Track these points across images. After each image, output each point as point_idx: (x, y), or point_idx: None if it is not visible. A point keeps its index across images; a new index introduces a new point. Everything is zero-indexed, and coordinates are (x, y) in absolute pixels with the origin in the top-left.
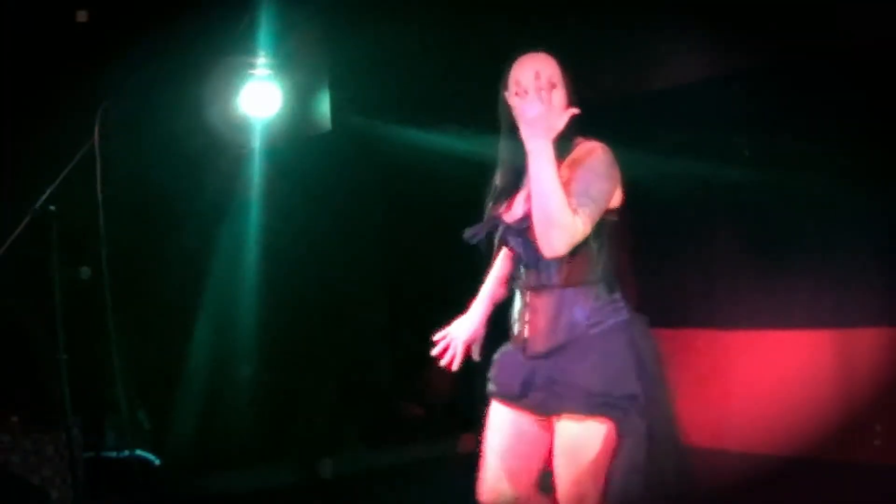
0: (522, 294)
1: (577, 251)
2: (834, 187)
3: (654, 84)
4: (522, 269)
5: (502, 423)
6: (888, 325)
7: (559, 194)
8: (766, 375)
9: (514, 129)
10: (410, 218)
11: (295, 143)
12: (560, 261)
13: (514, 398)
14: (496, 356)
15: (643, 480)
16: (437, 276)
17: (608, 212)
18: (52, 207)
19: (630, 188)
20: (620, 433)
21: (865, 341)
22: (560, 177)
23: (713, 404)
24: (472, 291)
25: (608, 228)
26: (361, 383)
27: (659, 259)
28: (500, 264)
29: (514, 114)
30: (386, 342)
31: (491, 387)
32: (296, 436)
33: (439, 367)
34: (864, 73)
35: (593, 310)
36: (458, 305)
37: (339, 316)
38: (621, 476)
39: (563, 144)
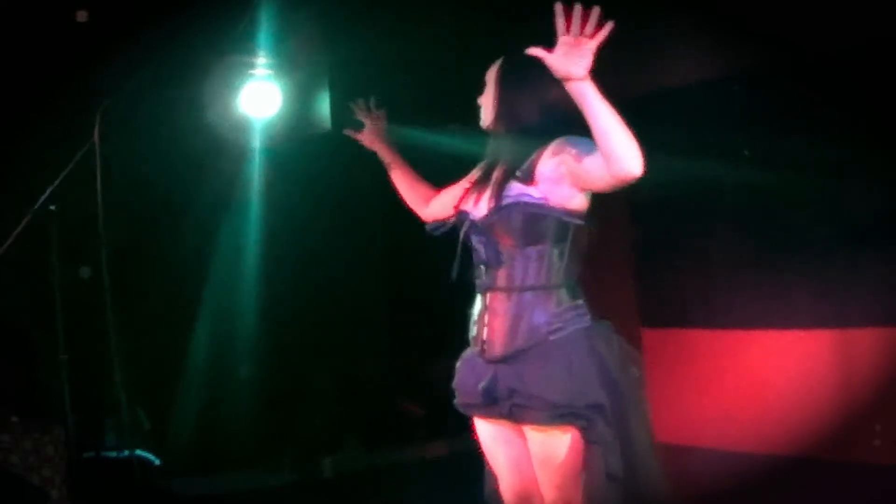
0: (482, 296)
1: (537, 254)
2: (834, 187)
3: (654, 84)
4: (483, 269)
5: (487, 436)
6: (888, 325)
7: (616, 116)
8: (766, 375)
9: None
10: (410, 218)
11: (295, 143)
12: (521, 263)
13: (480, 409)
14: (457, 364)
15: (622, 488)
16: (437, 275)
17: (571, 214)
18: (52, 207)
19: (629, 188)
20: (587, 441)
21: (865, 341)
22: (550, 166)
23: (713, 404)
24: (472, 291)
25: (572, 232)
26: (361, 383)
27: (658, 259)
28: (429, 193)
29: (552, 68)
30: (386, 342)
31: (456, 399)
32: (296, 436)
33: (439, 367)
34: (863, 73)
35: (554, 315)
36: (458, 305)
37: (338, 316)
38: (598, 484)
39: (528, 144)
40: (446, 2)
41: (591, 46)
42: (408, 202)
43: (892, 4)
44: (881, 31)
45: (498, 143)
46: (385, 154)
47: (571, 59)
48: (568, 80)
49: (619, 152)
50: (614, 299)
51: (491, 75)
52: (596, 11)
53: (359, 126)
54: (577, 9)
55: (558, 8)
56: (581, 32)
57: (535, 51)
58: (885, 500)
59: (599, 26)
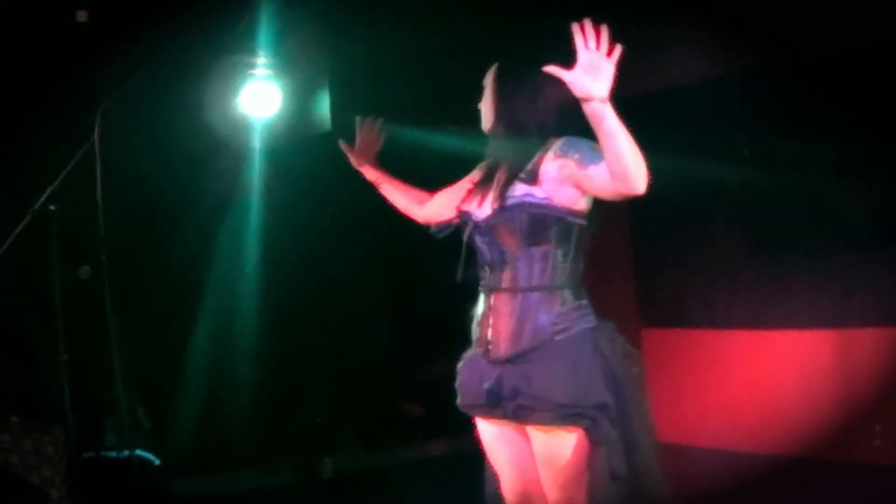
0: (486, 296)
1: (542, 255)
2: (834, 187)
3: (654, 85)
4: (487, 271)
5: (490, 437)
6: (888, 325)
7: (629, 137)
8: (766, 375)
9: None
10: (411, 218)
11: (295, 143)
12: (525, 264)
13: (484, 409)
14: (460, 364)
15: (624, 488)
16: (438, 276)
17: (575, 214)
18: (52, 207)
19: None
20: (592, 441)
21: (866, 341)
22: (553, 168)
23: (713, 404)
24: (472, 292)
25: (575, 233)
26: (361, 383)
27: (658, 259)
28: (422, 196)
29: (573, 87)
30: (386, 342)
31: (459, 399)
32: (296, 436)
33: (439, 367)
34: (863, 73)
35: (559, 315)
36: (458, 306)
37: (339, 316)
38: (601, 485)
39: (530, 145)
40: (446, 2)
41: (610, 66)
42: (401, 209)
43: (892, 4)
44: (881, 31)
45: (499, 144)
46: (370, 173)
47: (593, 78)
48: (588, 100)
49: (628, 174)
50: (614, 299)
51: (488, 81)
52: (605, 29)
53: (354, 138)
54: (588, 23)
55: (576, 27)
56: (598, 48)
57: (554, 69)
58: (885, 500)
59: (611, 45)
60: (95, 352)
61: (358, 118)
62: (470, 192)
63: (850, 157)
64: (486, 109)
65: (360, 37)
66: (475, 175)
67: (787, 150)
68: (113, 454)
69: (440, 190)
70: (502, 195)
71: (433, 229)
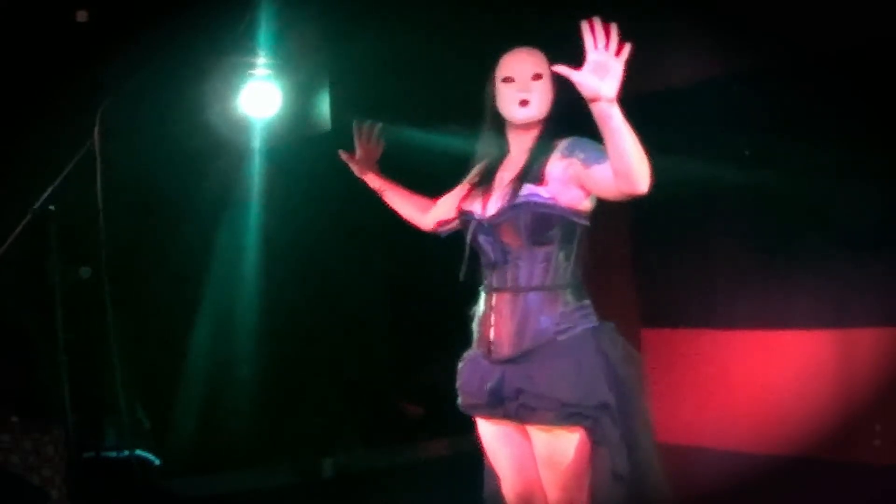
0: (488, 296)
1: (544, 255)
2: (834, 187)
3: (654, 84)
4: (489, 270)
5: (490, 437)
6: (889, 325)
7: (634, 137)
8: (766, 375)
9: (496, 126)
10: None
11: (295, 143)
12: (528, 263)
13: (485, 409)
14: (460, 365)
15: (625, 488)
16: (438, 276)
17: (579, 215)
18: (51, 207)
19: None
20: (594, 441)
21: (866, 341)
22: (559, 168)
23: (713, 404)
24: (472, 292)
25: (578, 233)
26: (361, 383)
27: (659, 259)
28: (426, 203)
29: (581, 86)
30: (386, 342)
31: (460, 399)
32: (296, 436)
33: (439, 367)
34: (864, 73)
35: (561, 315)
36: (458, 305)
37: (339, 316)
38: (603, 485)
39: (545, 144)
40: (446, 2)
41: (619, 66)
42: (406, 217)
43: (892, 4)
44: (881, 31)
45: (521, 139)
46: (374, 181)
47: (601, 78)
48: (596, 100)
49: (632, 173)
50: (614, 299)
51: (541, 66)
52: (615, 27)
53: (354, 145)
54: (598, 22)
55: (585, 26)
56: (606, 47)
57: (562, 69)
58: (885, 500)
59: (620, 43)
60: (95, 352)
61: (355, 125)
62: (470, 190)
63: (850, 157)
64: (541, 98)
65: (360, 37)
66: (475, 174)
67: (787, 151)
68: (113, 454)
69: (442, 196)
70: (512, 194)
71: (437, 228)
